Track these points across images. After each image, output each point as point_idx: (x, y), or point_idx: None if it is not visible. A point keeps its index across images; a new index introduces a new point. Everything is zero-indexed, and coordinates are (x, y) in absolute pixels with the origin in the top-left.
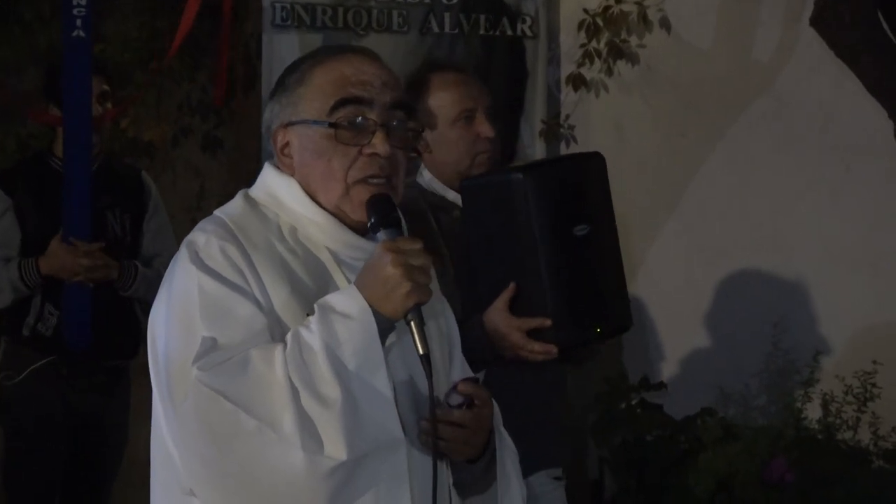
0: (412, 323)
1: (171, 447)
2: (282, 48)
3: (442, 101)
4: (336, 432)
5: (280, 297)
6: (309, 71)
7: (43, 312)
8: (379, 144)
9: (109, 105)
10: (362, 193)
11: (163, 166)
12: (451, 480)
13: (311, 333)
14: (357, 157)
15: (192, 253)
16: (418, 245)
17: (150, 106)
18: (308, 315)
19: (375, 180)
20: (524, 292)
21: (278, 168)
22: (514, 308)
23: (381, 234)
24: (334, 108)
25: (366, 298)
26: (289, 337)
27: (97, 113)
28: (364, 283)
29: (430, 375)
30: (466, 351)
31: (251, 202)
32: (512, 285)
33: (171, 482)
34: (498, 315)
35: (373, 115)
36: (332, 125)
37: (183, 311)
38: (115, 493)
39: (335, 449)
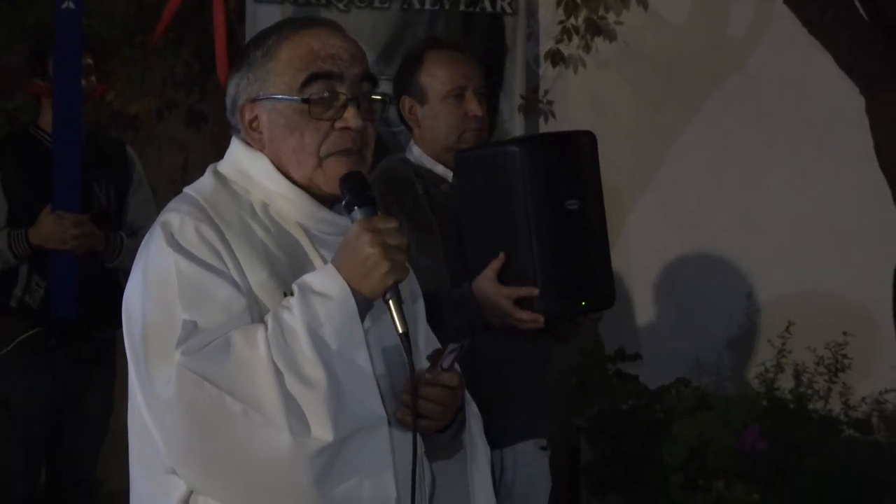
0: (391, 301)
1: (150, 426)
2: (265, 22)
3: (434, 77)
4: (322, 413)
5: (256, 276)
6: (276, 45)
7: (30, 284)
8: (351, 118)
9: (93, 79)
10: (335, 166)
11: (148, 140)
12: (422, 450)
13: (292, 315)
14: (329, 131)
15: (168, 234)
16: (394, 224)
17: (135, 80)
18: (285, 294)
19: (348, 154)
20: (514, 262)
21: (246, 143)
22: (504, 278)
23: (357, 213)
24: (305, 84)
25: (344, 278)
26: (268, 318)
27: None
28: (342, 262)
29: (409, 353)
30: (455, 318)
31: (221, 178)
32: (502, 255)
33: (151, 459)
34: (487, 283)
35: (343, 89)
36: (304, 101)
37: (161, 294)
38: (100, 462)
39: (322, 430)
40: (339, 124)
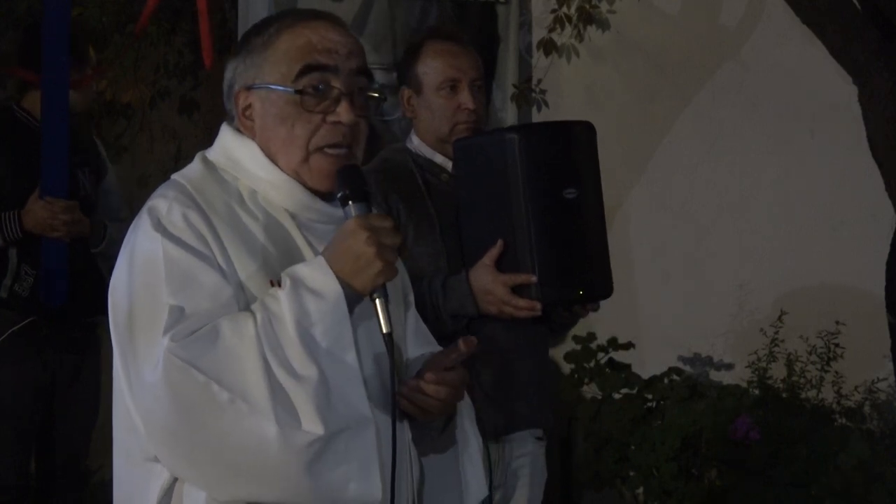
0: (377, 301)
1: (133, 415)
2: (257, 9)
3: (429, 68)
4: (311, 408)
5: (243, 264)
6: (275, 35)
7: (20, 273)
8: (343, 113)
9: (89, 70)
10: (321, 162)
11: (140, 128)
12: (410, 442)
13: (283, 309)
14: (321, 124)
15: (154, 219)
16: (390, 223)
17: (128, 68)
18: (272, 283)
19: (336, 150)
20: (511, 250)
21: (236, 130)
22: (501, 266)
23: (352, 208)
24: (300, 75)
25: (335, 272)
26: (256, 308)
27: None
28: (335, 256)
29: (391, 353)
30: (451, 306)
31: (210, 165)
32: (500, 242)
33: (133, 447)
34: (484, 271)
35: (338, 83)
36: (297, 92)
37: (148, 279)
38: (91, 451)
39: (312, 424)
40: (330, 118)
